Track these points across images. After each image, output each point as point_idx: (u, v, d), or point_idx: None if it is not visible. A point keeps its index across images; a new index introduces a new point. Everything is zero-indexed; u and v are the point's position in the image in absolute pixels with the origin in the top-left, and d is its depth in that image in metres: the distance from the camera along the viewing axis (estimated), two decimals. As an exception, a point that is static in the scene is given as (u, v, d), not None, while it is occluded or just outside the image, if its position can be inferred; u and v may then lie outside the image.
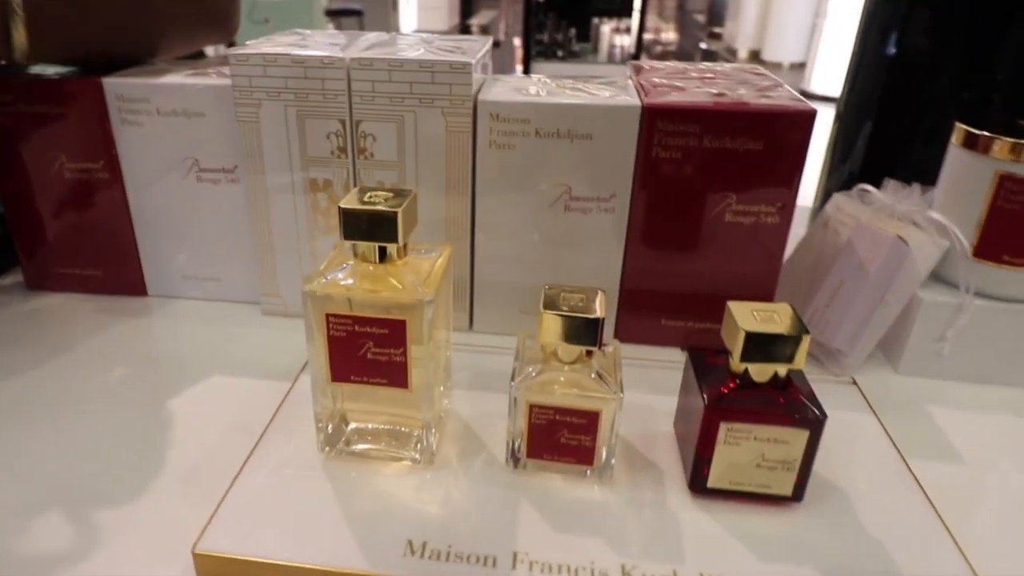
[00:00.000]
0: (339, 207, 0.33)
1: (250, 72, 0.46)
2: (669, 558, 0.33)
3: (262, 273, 0.53)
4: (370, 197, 0.34)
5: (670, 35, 5.49)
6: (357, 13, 3.48)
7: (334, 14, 3.49)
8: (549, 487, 0.37)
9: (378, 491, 0.36)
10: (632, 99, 0.46)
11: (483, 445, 0.39)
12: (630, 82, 0.51)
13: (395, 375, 0.35)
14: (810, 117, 0.44)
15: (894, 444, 0.40)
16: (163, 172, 0.52)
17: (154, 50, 0.56)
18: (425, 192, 0.48)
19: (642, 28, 3.21)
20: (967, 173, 0.46)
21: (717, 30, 4.67)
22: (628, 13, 3.31)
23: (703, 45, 4.59)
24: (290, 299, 0.54)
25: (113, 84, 0.49)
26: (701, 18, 5.18)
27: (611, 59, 3.42)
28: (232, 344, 0.51)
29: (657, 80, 0.50)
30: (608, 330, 0.52)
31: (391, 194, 0.34)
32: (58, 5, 0.46)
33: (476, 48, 0.49)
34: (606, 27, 3.41)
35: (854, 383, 0.46)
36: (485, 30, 5.23)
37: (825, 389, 0.45)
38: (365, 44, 0.49)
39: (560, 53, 3.33)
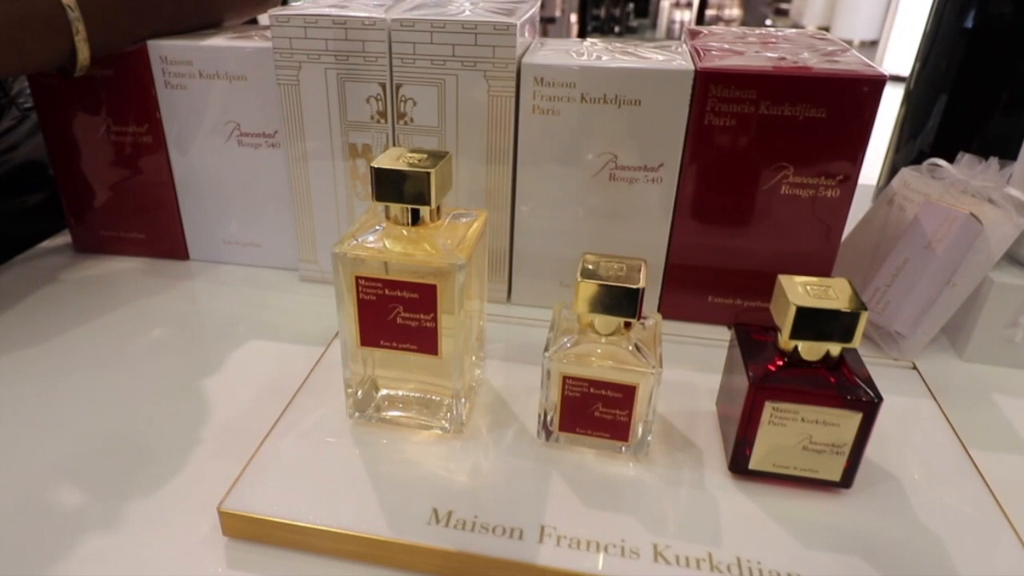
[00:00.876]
0: (371, 167, 0.33)
1: (291, 34, 0.46)
2: (705, 540, 0.32)
3: (300, 239, 0.53)
4: (404, 158, 0.34)
5: (734, 11, 5.33)
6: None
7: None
8: (581, 462, 0.36)
9: (405, 458, 0.36)
10: (685, 63, 0.44)
11: (515, 417, 0.39)
12: (685, 47, 0.49)
13: (425, 341, 0.35)
14: (880, 83, 0.41)
15: (955, 432, 0.38)
16: (205, 136, 0.52)
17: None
18: (465, 160, 0.48)
19: (704, 2, 3.12)
20: (1050, 145, 0.43)
21: (784, 6, 4.52)
22: (690, -14, 3.23)
23: (768, 22, 4.45)
24: (327, 266, 0.54)
25: (157, 46, 0.50)
26: (768, -7, 5.02)
27: (670, 35, 3.34)
28: (269, 309, 0.51)
29: (714, 44, 0.48)
30: (651, 305, 0.50)
31: (425, 155, 0.34)
32: (116, 15, 0.47)
33: (523, 8, 0.48)
34: (666, 2, 3.32)
35: (914, 368, 0.44)
36: (542, 5, 5.16)
37: (882, 372, 0.43)
38: (410, 4, 0.49)
39: (617, 29, 3.26)
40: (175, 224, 0.56)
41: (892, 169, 0.62)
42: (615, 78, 0.44)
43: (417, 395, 0.38)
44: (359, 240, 0.34)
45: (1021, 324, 0.45)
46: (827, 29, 4.20)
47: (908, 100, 0.61)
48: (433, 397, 0.38)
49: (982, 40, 0.54)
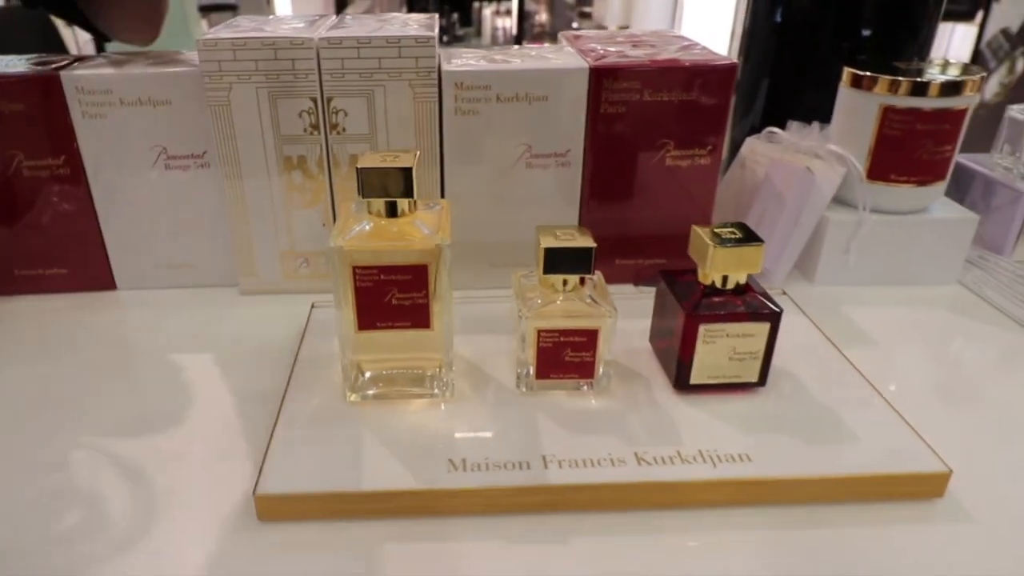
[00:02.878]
0: (358, 168, 0.36)
1: (220, 57, 0.47)
2: (671, 442, 0.38)
3: (238, 254, 0.54)
4: (381, 158, 0.37)
5: (542, 16, 5.58)
6: (232, 8, 3.33)
7: (207, 9, 3.32)
8: (557, 402, 0.41)
9: (408, 425, 0.39)
10: (580, 62, 0.50)
11: (489, 378, 0.43)
12: (570, 48, 0.55)
13: (418, 317, 0.38)
14: (733, 69, 0.50)
15: (826, 336, 0.47)
16: (130, 163, 0.52)
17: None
18: (396, 161, 0.51)
19: (523, 10, 3.27)
20: (856, 108, 0.54)
21: (587, 9, 4.81)
22: (507, -5, 3.37)
23: (575, 24, 4.71)
24: (268, 276, 0.55)
25: (72, 77, 0.49)
26: (570, -1, 5.30)
27: (494, 41, 3.47)
28: (220, 324, 0.52)
29: (593, 46, 0.55)
30: (570, 274, 0.56)
31: (397, 155, 0.37)
32: None
33: (431, 24, 0.52)
34: (487, 10, 3.45)
35: (784, 293, 0.53)
36: (360, 20, 5.10)
37: (766, 298, 0.51)
38: (326, 25, 0.51)
39: (445, 38, 3.34)
40: (99, 255, 0.55)
41: (732, 143, 0.73)
42: (525, 78, 0.49)
43: (400, 371, 0.42)
44: (351, 233, 0.37)
45: (852, 250, 0.56)
46: (627, 27, 4.53)
47: (737, 88, 0.71)
48: (418, 371, 0.41)
49: (790, 32, 0.65)
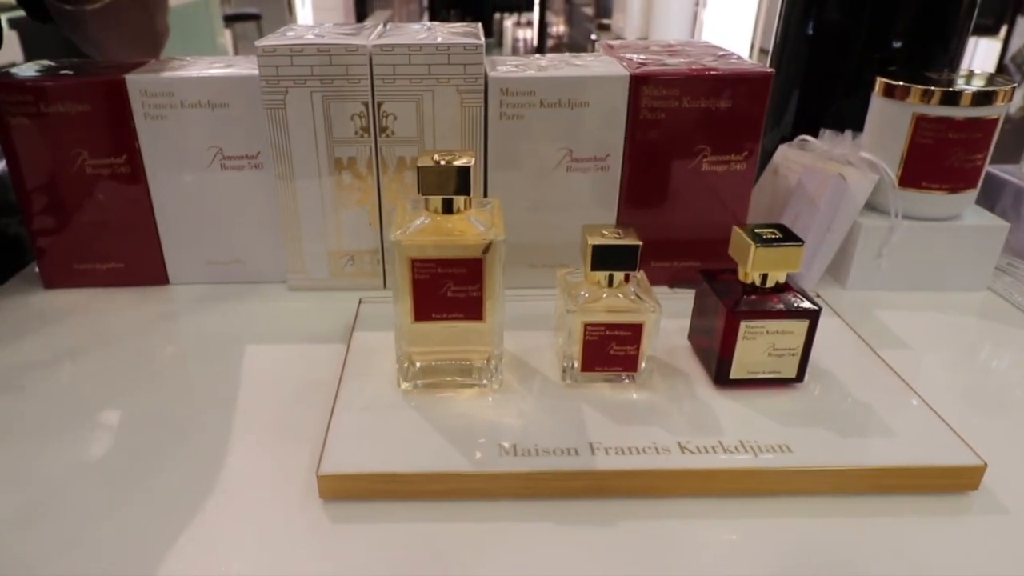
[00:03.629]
0: (418, 166, 0.38)
1: (277, 62, 0.50)
2: (713, 433, 0.39)
3: (288, 251, 0.56)
4: (438, 158, 0.39)
5: (560, 28, 5.63)
6: (256, 17, 3.40)
7: (231, 19, 3.39)
8: (601, 395, 0.43)
9: (460, 412, 0.41)
10: (621, 70, 0.52)
11: (535, 371, 0.45)
12: (607, 57, 0.58)
13: (472, 309, 0.40)
14: (769, 77, 0.52)
15: (860, 336, 0.49)
16: (187, 163, 0.54)
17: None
18: (442, 163, 0.53)
19: (543, 21, 3.31)
20: (889, 117, 0.56)
21: (606, 21, 4.85)
22: (529, 7, 3.41)
23: (593, 36, 4.75)
24: (316, 273, 0.57)
25: (137, 81, 0.51)
26: (589, 11, 5.36)
27: (515, 52, 3.51)
28: (270, 318, 0.54)
29: (631, 55, 0.57)
30: (606, 275, 0.58)
31: (454, 155, 0.39)
32: None
33: (477, 32, 0.54)
34: (508, 22, 3.49)
35: (818, 296, 0.54)
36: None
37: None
38: (376, 33, 0.53)
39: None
40: (154, 250, 0.57)
41: (763, 152, 0.74)
42: (567, 85, 0.51)
43: (451, 362, 0.43)
44: (411, 228, 0.39)
45: (884, 255, 0.57)
46: (645, 39, 4.57)
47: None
48: (464, 363, 0.43)
49: (821, 43, 0.67)
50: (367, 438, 0.39)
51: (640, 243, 0.40)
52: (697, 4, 4.25)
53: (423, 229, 0.39)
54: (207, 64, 0.54)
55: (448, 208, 0.40)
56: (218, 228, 0.57)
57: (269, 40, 0.50)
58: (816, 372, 0.44)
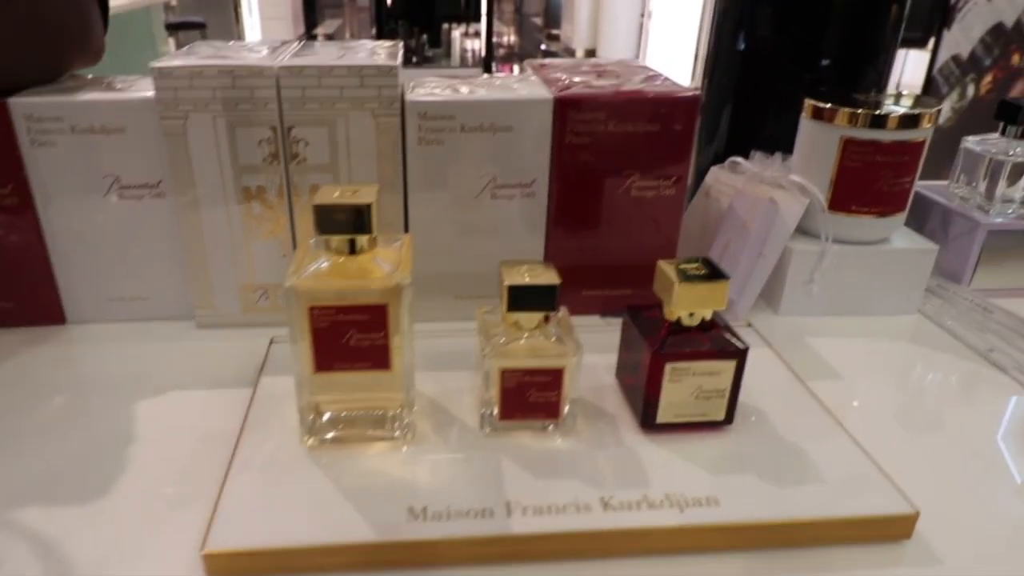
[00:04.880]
0: (313, 204, 0.34)
1: (175, 85, 0.45)
2: (637, 486, 0.36)
3: (195, 286, 0.52)
4: (339, 195, 0.35)
5: (512, 38, 5.62)
6: (200, 26, 3.29)
7: (174, 27, 3.28)
8: (522, 444, 0.39)
9: (367, 470, 0.37)
10: (545, 92, 0.49)
11: (453, 417, 0.41)
12: (535, 78, 0.54)
13: (378, 358, 0.36)
14: (696, 101, 0.49)
15: (791, 369, 0.47)
16: (81, 193, 0.49)
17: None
18: (358, 191, 0.49)
19: (491, 32, 3.28)
20: (817, 140, 0.54)
21: (555, 32, 4.85)
22: (476, 18, 3.38)
23: (543, 47, 4.75)
24: (226, 309, 0.53)
25: (21, 104, 0.46)
26: (538, 21, 5.35)
27: (463, 63, 3.48)
28: (174, 359, 0.49)
29: (559, 75, 0.54)
30: (536, 304, 0.55)
31: (356, 189, 0.36)
32: None
33: (394, 52, 0.50)
34: (456, 32, 3.46)
35: (750, 325, 0.52)
36: (331, 38, 5.10)
37: (732, 331, 0.51)
38: (287, 52, 0.49)
39: (414, 59, 3.34)
40: (48, 287, 0.52)
41: (696, 170, 0.72)
42: (489, 108, 0.48)
43: (360, 413, 0.40)
44: (308, 271, 0.35)
45: (815, 280, 0.55)
46: (594, 51, 4.58)
47: (701, 113, 0.71)
48: (378, 412, 0.39)
49: (752, 59, 0.65)
50: (263, 505, 0.35)
51: (558, 282, 0.37)
52: (643, 15, 4.29)
53: (321, 273, 0.35)
54: (104, 86, 0.49)
55: (351, 248, 0.36)
56: (118, 263, 0.52)
57: (167, 61, 0.46)
58: (746, 411, 0.42)
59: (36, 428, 0.42)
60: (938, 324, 0.55)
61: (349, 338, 0.36)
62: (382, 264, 0.36)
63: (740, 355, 0.39)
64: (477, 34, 3.42)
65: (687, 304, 0.38)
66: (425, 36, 3.37)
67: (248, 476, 0.36)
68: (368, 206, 0.34)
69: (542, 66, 0.58)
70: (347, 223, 0.35)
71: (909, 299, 0.57)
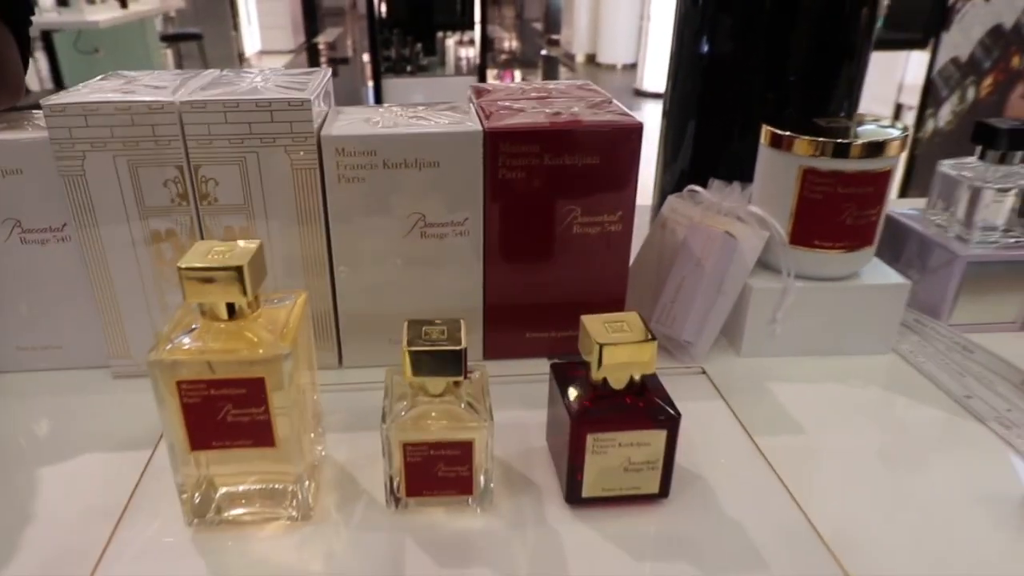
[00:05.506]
0: (178, 267, 0.30)
1: (69, 123, 0.42)
2: (553, 573, 0.32)
3: (108, 334, 0.48)
4: (212, 253, 0.31)
5: (513, 43, 5.59)
6: (196, 37, 3.27)
7: (171, 39, 3.26)
8: (432, 522, 0.35)
9: (256, 558, 0.33)
10: (473, 124, 0.45)
11: (362, 490, 0.37)
12: (472, 106, 0.50)
13: (259, 434, 0.32)
14: (638, 131, 0.45)
15: (743, 426, 0.42)
16: (-22, 237, 0.45)
17: None
18: (278, 232, 0.46)
19: (485, 40, 3.24)
20: (776, 169, 0.49)
21: (555, 37, 4.81)
22: (471, 26, 3.34)
23: (544, 52, 4.71)
24: (141, 358, 0.49)
25: (-96, 147, 0.43)
26: (539, 26, 5.32)
27: (458, 71, 3.44)
28: (82, 415, 0.45)
29: (497, 103, 0.50)
30: (476, 348, 0.51)
31: (232, 247, 0.32)
32: None
33: (315, 81, 0.46)
34: (451, 40, 3.42)
35: (703, 372, 0.48)
36: (332, 47, 5.08)
37: (678, 382, 0.47)
38: (196, 85, 0.45)
39: (409, 68, 3.31)
40: (-47, 335, 0.48)
41: (662, 190, 0.68)
42: (412, 143, 0.44)
43: (259, 487, 0.36)
44: (175, 343, 0.31)
45: (778, 320, 0.51)
46: (594, 55, 4.54)
47: (666, 117, 0.66)
48: (276, 486, 0.36)
49: (715, 69, 0.60)
50: (126, 603, 0.31)
51: (463, 347, 0.33)
52: (642, 18, 4.24)
53: (188, 344, 0.31)
54: (15, 124, 0.46)
55: (232, 311, 0.32)
56: (27, 310, 0.48)
57: (59, 97, 0.42)
58: (685, 479, 0.38)
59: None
60: (914, 365, 0.51)
61: (225, 414, 0.32)
62: (263, 330, 0.32)
63: (672, 424, 0.34)
64: (472, 42, 3.39)
65: (610, 368, 0.34)
66: (420, 45, 3.34)
67: (122, 566, 0.33)
68: (239, 269, 0.30)
69: (484, 92, 0.54)
70: (218, 288, 0.31)
71: (881, 338, 0.52)
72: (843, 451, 0.43)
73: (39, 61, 2.67)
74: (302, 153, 0.43)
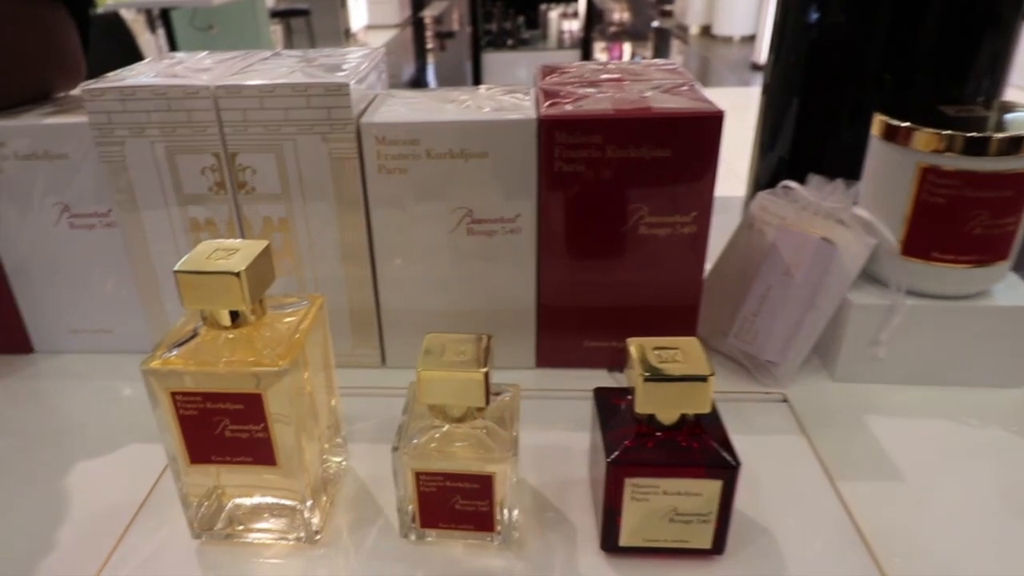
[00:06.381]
0: (173, 271, 0.28)
1: (107, 108, 0.41)
2: (577, 636, 0.29)
3: (150, 321, 0.48)
4: (214, 255, 0.29)
5: (624, 15, 5.43)
6: (304, 13, 3.38)
7: (281, 15, 3.38)
8: (450, 557, 0.32)
9: (258, 579, 0.32)
10: (526, 111, 0.41)
11: (379, 511, 0.35)
12: (533, 89, 0.46)
13: (259, 452, 0.30)
14: (718, 120, 0.40)
15: (824, 468, 0.37)
16: (30, 220, 0.46)
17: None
18: (318, 224, 0.44)
19: (591, 11, 3.14)
20: (889, 166, 0.42)
21: (668, 7, 4.62)
22: (574, -3, 3.27)
23: (655, 23, 4.54)
24: (187, 346, 0.49)
25: (-40, 129, 0.44)
26: (651, -4, 5.12)
27: (561, 44, 3.36)
28: (123, 403, 0.46)
29: (562, 85, 0.45)
30: (528, 354, 0.47)
31: (238, 248, 0.30)
32: None
33: (360, 64, 0.44)
34: (554, 13, 3.34)
35: (785, 400, 0.42)
36: (439, 21, 5.12)
37: (753, 408, 0.41)
38: (236, 68, 0.44)
39: (510, 42, 3.26)
40: (12, 315, 0.50)
41: (756, 182, 0.61)
42: (458, 132, 0.41)
43: (271, 501, 0.34)
44: (172, 352, 0.29)
45: (883, 341, 0.44)
46: (709, 27, 4.32)
47: (766, 94, 0.59)
48: (286, 501, 0.34)
49: (824, 43, 0.53)
50: (119, 620, 0.30)
51: (484, 371, 0.29)
52: (763, -14, 3.99)
53: (186, 352, 0.29)
54: (50, 108, 0.46)
55: (235, 318, 0.30)
56: (76, 293, 0.49)
57: (99, 82, 0.42)
58: (748, 531, 0.33)
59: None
60: (1052, 405, 0.43)
61: (223, 428, 0.30)
62: (264, 342, 0.29)
63: (728, 474, 0.29)
64: (576, 14, 3.30)
65: (654, 404, 0.30)
66: (522, 18, 3.29)
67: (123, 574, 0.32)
68: (236, 275, 0.28)
69: (554, 71, 0.50)
70: (216, 294, 0.29)
71: (1012, 369, 0.44)
72: (950, 505, 0.36)
73: (160, 38, 2.84)
74: (340, 142, 0.41)
